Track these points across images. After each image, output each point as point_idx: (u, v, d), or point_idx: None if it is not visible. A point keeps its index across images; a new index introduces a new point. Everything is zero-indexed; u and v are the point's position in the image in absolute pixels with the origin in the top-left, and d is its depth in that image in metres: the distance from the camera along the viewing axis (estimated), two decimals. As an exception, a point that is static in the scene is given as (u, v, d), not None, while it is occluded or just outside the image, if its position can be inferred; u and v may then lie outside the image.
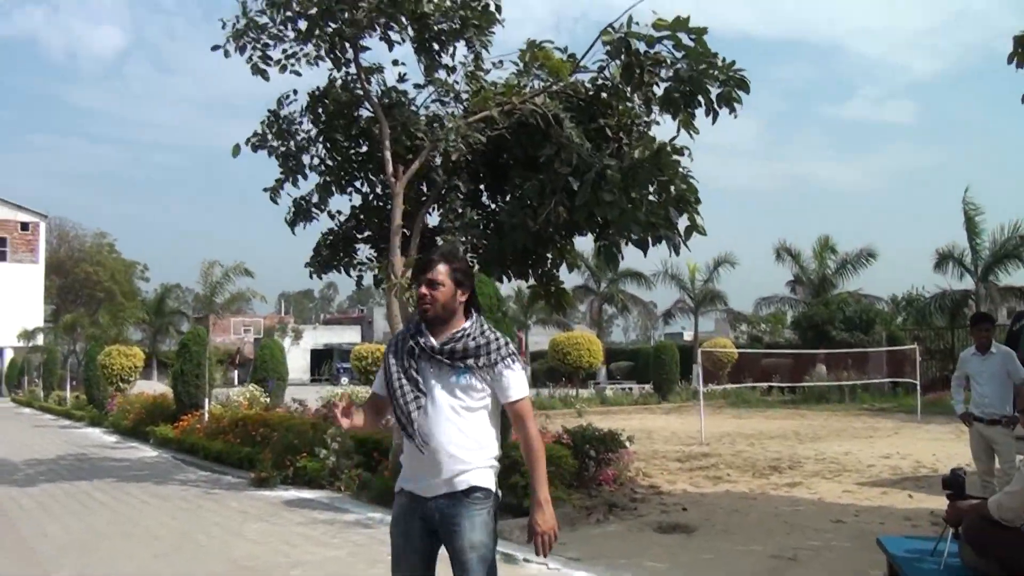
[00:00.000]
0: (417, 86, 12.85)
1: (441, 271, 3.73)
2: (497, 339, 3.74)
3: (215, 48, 12.20)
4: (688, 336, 53.47)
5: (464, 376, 3.68)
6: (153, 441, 18.90)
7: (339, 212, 13.71)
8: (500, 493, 3.75)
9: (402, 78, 12.97)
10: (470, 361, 3.67)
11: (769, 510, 9.97)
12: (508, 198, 12.45)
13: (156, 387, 32.83)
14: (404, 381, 3.71)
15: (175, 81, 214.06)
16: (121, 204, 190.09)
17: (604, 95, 11.80)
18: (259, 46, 12.41)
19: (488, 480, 3.69)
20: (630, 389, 38.11)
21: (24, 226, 59.97)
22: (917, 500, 10.30)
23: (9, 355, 54.53)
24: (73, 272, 65.31)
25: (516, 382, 3.72)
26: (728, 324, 53.96)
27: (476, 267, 12.24)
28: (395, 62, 13.09)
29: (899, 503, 10.23)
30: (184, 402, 19.32)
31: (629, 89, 11.09)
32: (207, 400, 18.75)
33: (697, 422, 19.25)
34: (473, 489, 3.65)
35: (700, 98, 10.19)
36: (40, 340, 45.71)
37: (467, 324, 3.75)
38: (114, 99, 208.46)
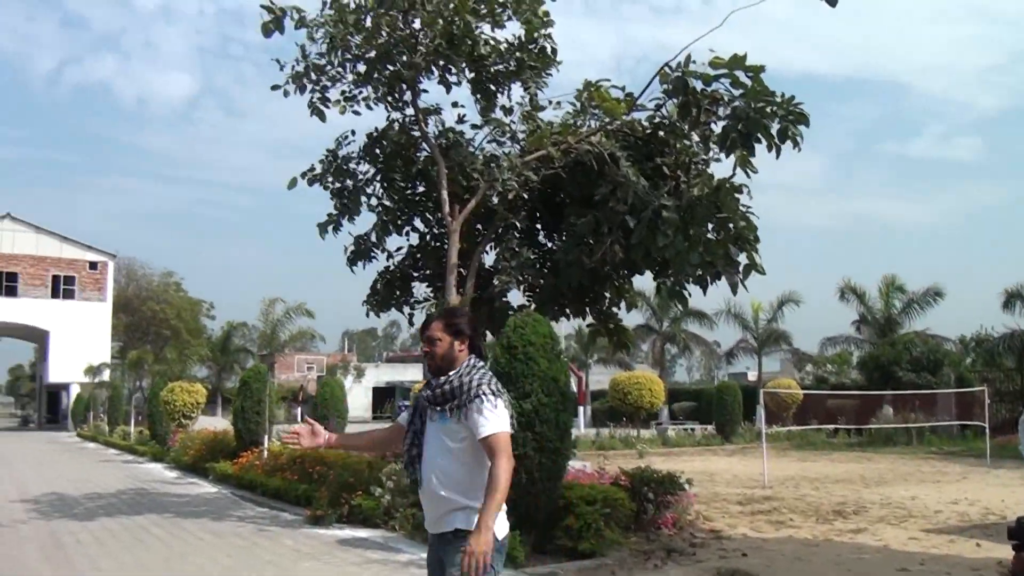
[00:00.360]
0: (474, 127, 12.95)
1: (436, 327, 4.13)
2: (471, 381, 3.96)
3: (275, 87, 12.44)
4: (752, 376, 52.77)
5: (445, 419, 3.95)
6: (212, 477, 19.09)
7: (398, 250, 13.81)
8: (498, 533, 3.77)
9: (461, 119, 13.09)
10: (449, 404, 3.94)
11: (832, 557, 9.71)
12: (564, 236, 12.42)
13: (220, 423, 33.22)
14: (409, 431, 4.14)
15: (244, 125, 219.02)
16: (189, 244, 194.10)
17: (661, 133, 11.76)
18: (318, 88, 12.62)
19: (471, 522, 3.77)
20: (692, 430, 37.65)
21: (92, 265, 61.60)
22: (985, 549, 9.93)
23: (76, 390, 55.80)
24: (140, 310, 66.70)
25: (484, 419, 3.86)
26: (793, 364, 53.14)
27: (532, 306, 12.22)
28: (454, 104, 13.24)
29: (967, 552, 9.89)
30: (244, 438, 19.51)
31: (686, 127, 11.04)
32: (267, 437, 18.91)
33: (760, 464, 18.91)
34: (457, 532, 3.83)
35: (760, 135, 10.08)
36: (106, 376, 46.61)
37: (453, 371, 4.04)
38: (184, 142, 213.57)
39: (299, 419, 29.69)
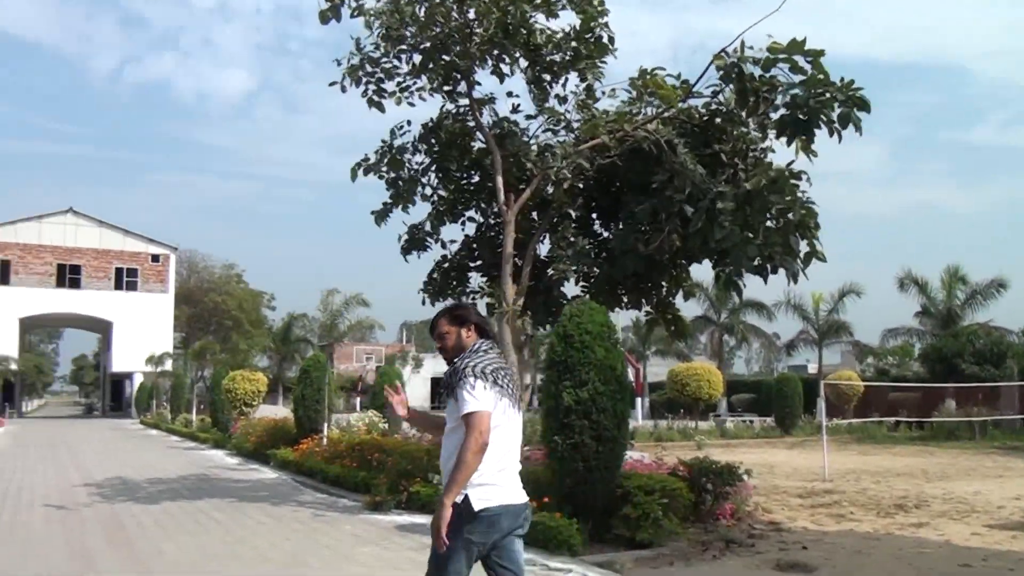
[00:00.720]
0: (529, 116, 12.95)
1: (443, 323, 4.58)
2: (462, 364, 4.32)
3: (332, 84, 12.58)
4: (812, 368, 52.20)
5: (448, 401, 4.34)
6: (273, 463, 19.38)
7: (452, 241, 13.87)
8: (473, 504, 4.12)
9: (515, 109, 13.09)
10: (448, 387, 4.35)
11: (893, 551, 9.54)
12: (620, 225, 12.37)
13: (281, 411, 33.70)
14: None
15: (301, 120, 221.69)
16: (249, 237, 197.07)
17: (718, 120, 11.65)
18: (374, 80, 12.71)
19: (475, 501, 4.15)
20: (751, 422, 37.32)
21: (155, 258, 62.90)
22: (1051, 545, 9.74)
23: (139, 379, 57.06)
24: (202, 301, 67.88)
25: (463, 399, 4.20)
26: (854, 356, 52.42)
27: (587, 295, 12.20)
28: (508, 94, 13.26)
29: (1031, 547, 9.68)
30: (304, 426, 19.79)
31: (744, 114, 10.92)
32: (326, 425, 19.15)
33: (820, 457, 18.68)
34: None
35: (820, 122, 9.94)
36: (168, 365, 47.53)
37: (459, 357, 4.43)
38: (243, 138, 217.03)
39: (358, 408, 29.98)
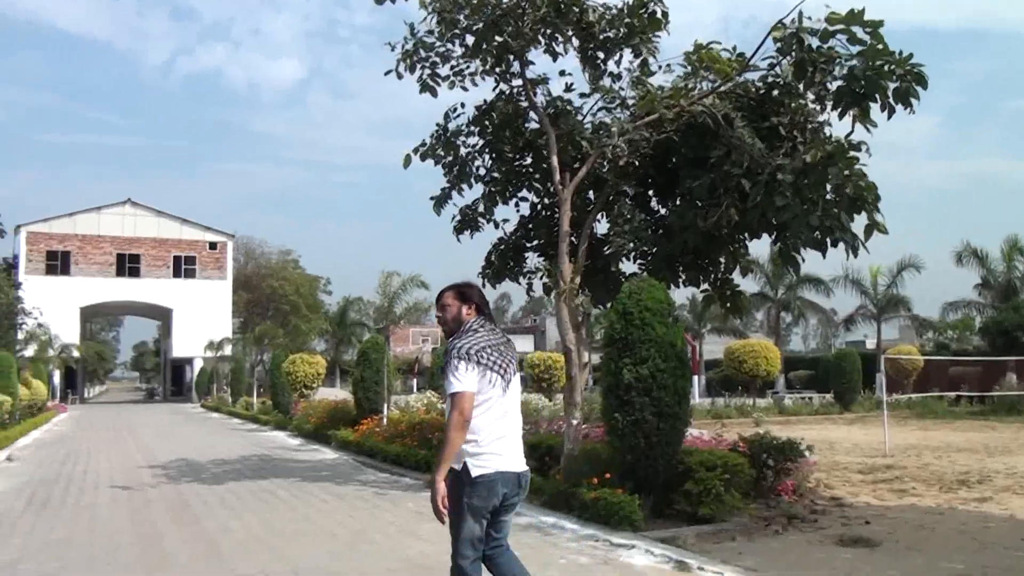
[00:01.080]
0: (582, 95, 12.90)
1: (448, 296, 5.02)
2: (452, 346, 4.77)
3: (388, 72, 12.67)
4: (870, 344, 51.51)
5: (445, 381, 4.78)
6: (334, 444, 19.68)
7: (505, 221, 13.90)
8: (471, 471, 4.61)
9: (569, 88, 13.06)
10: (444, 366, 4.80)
11: (956, 526, 9.47)
12: (677, 201, 12.32)
13: (338, 394, 34.11)
14: None
15: (352, 105, 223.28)
16: (304, 222, 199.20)
17: (775, 93, 11.52)
18: (428, 65, 12.77)
19: (455, 460, 4.65)
20: (810, 399, 37.00)
21: (212, 245, 63.94)
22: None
23: (199, 364, 58.12)
24: (260, 287, 68.76)
25: (449, 380, 4.67)
26: (913, 331, 51.66)
27: (645, 272, 12.18)
28: (561, 72, 13.20)
29: (1098, 521, 9.54)
30: (364, 407, 20.06)
31: (801, 87, 10.80)
32: (386, 405, 19.38)
33: (880, 433, 18.52)
34: (451, 468, 4.66)
35: (876, 95, 9.79)
36: (228, 350, 48.29)
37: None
38: (294, 125, 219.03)
39: (414, 389, 30.33)
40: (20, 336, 37.63)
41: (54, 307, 42.81)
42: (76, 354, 56.43)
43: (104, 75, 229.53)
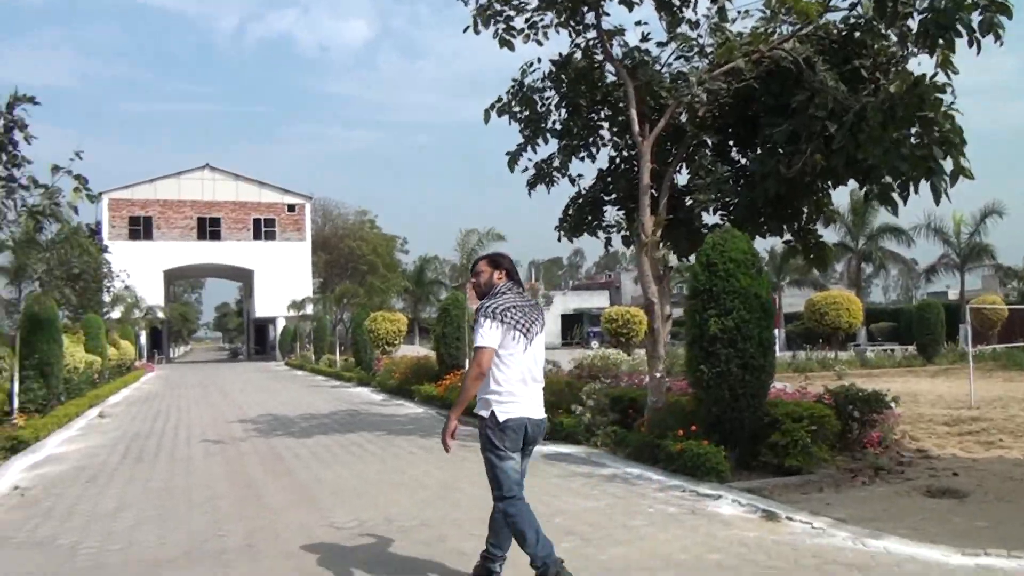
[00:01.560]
0: (659, 44, 12.72)
1: (482, 264, 5.72)
2: (481, 307, 5.44)
3: (466, 29, 12.62)
4: (953, 294, 50.33)
5: None
6: (417, 398, 20.01)
7: (579, 176, 13.83)
8: (498, 417, 5.33)
9: (645, 37, 12.89)
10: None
11: (1047, 477, 9.31)
12: (758, 149, 12.13)
13: (418, 351, 34.52)
14: None
15: (422, 65, 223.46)
16: (379, 182, 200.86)
17: (857, 34, 11.24)
18: (503, 19, 12.69)
19: (483, 409, 5.40)
20: (892, 351, 36.35)
21: (291, 208, 64.88)
22: None
23: (281, 324, 59.32)
24: (338, 247, 69.56)
25: (476, 336, 5.36)
26: (997, 280, 50.27)
27: (727, 223, 12.06)
28: (637, 22, 13.03)
29: None
30: (446, 362, 20.35)
31: (883, 25, 10.49)
32: (467, 360, 19.58)
33: (965, 385, 18.15)
34: (479, 416, 5.41)
35: (960, 27, 9.45)
36: (309, 310, 49.13)
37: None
38: (365, 86, 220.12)
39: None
40: (106, 299, 38.73)
41: (138, 271, 43.83)
42: (161, 315, 57.86)
43: (178, 44, 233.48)
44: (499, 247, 31.90)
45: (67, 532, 7.89)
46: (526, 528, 5.44)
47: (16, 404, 15.27)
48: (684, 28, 12.45)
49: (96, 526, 8.10)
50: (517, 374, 5.36)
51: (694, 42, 12.32)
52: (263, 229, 64.32)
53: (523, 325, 5.40)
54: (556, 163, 13.62)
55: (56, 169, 14.14)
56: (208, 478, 10.60)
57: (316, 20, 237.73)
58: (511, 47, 12.81)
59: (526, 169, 13.71)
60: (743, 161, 12.84)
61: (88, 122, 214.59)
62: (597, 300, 76.78)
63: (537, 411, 5.50)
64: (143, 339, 53.72)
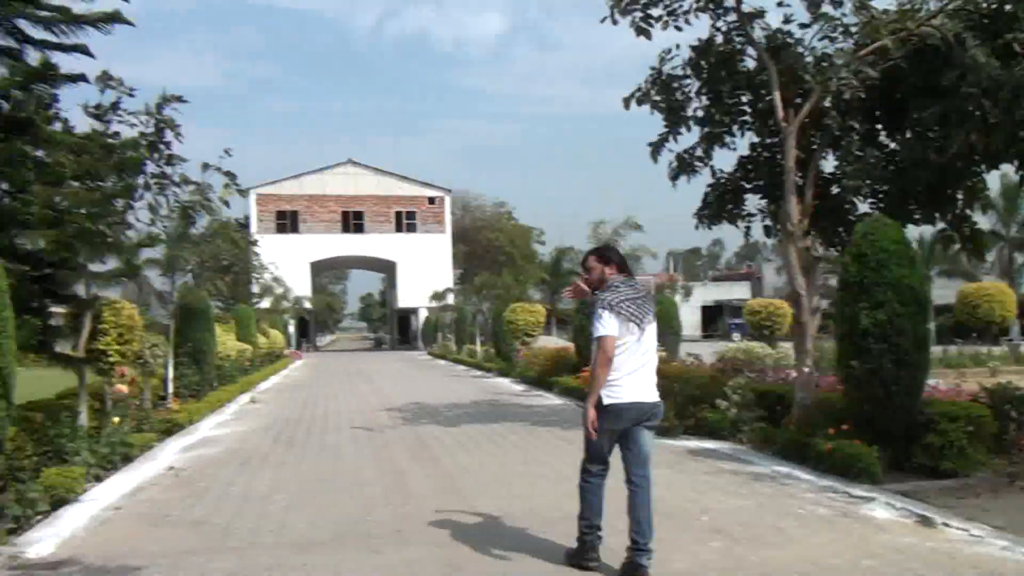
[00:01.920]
0: (802, 26, 12.28)
1: (592, 259, 6.15)
2: (598, 299, 5.87)
3: (603, 20, 12.46)
4: (1110, 286, 47.16)
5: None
6: (557, 390, 20.02)
7: (720, 170, 13.48)
8: (603, 400, 5.78)
9: (788, 19, 12.45)
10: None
11: None
12: (907, 133, 11.59)
13: (556, 342, 34.57)
14: None
15: (556, 57, 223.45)
16: (515, 174, 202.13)
17: (1008, 7, 10.59)
18: (640, 6, 12.49)
19: (605, 397, 5.78)
20: (1047, 347, 34.21)
21: (431, 200, 66.06)
22: None
23: (423, 314, 60.46)
24: (477, 239, 70.38)
25: (595, 326, 5.81)
26: None
27: (876, 211, 11.57)
28: (779, 3, 12.60)
29: None
30: (585, 355, 20.20)
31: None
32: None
33: None
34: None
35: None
36: (450, 300, 49.84)
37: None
38: (501, 80, 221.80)
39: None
40: (256, 290, 40.33)
41: (286, 263, 45.52)
42: (308, 306, 59.65)
43: (316, 43, 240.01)
44: (636, 237, 31.67)
45: (221, 512, 8.28)
46: (588, 501, 6.12)
47: (171, 389, 16.03)
48: (827, 7, 11.98)
49: (249, 508, 8.47)
50: (628, 362, 5.79)
51: (838, 22, 11.84)
52: (404, 221, 65.68)
53: (636, 316, 5.80)
54: (699, 152, 13.31)
55: (206, 166, 14.87)
56: (356, 464, 10.93)
57: (451, 15, 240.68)
58: (648, 35, 12.59)
59: (671, 163, 13.43)
60: (892, 145, 12.28)
61: (234, 121, 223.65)
62: (737, 291, 75.07)
63: (650, 395, 5.92)
64: (291, 328, 55.55)
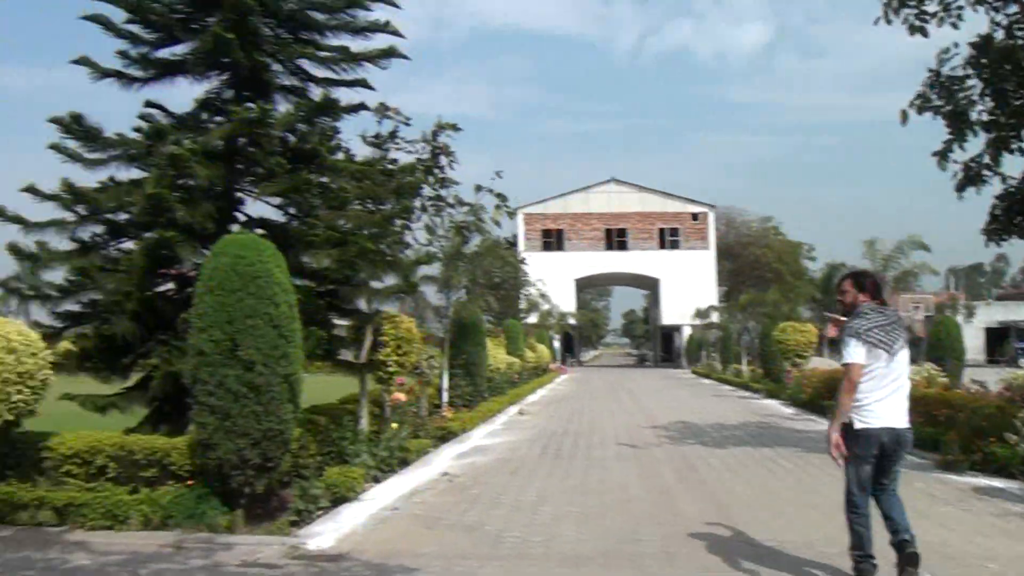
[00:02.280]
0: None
1: (847, 284, 6.32)
2: (847, 326, 6.08)
3: (876, 21, 11.87)
4: None
5: None
6: (830, 415, 18.99)
7: (1011, 177, 12.32)
8: (854, 425, 5.97)
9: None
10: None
11: None
12: None
13: (829, 363, 33.04)
14: None
15: (820, 64, 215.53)
16: (781, 188, 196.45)
17: None
18: (914, 3, 11.75)
19: (856, 422, 5.96)
20: None
21: (694, 216, 65.47)
22: None
23: (687, 332, 59.82)
24: (742, 255, 68.70)
25: (843, 353, 5.99)
26: None
27: None
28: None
29: None
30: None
31: None
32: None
33: None
34: (844, 424, 6.04)
35: None
36: (714, 318, 48.91)
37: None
38: (762, 91, 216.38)
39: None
40: (523, 306, 41.45)
41: (551, 280, 46.40)
42: (572, 321, 60.45)
43: (578, 66, 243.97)
44: (920, 256, 29.69)
45: (492, 519, 8.55)
46: (856, 532, 6.14)
47: (446, 399, 16.94)
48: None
49: (518, 516, 8.70)
50: (878, 388, 5.92)
51: None
52: (667, 238, 65.40)
53: (885, 343, 5.94)
54: (986, 159, 12.26)
55: (479, 188, 15.48)
56: (622, 480, 10.94)
57: (712, 28, 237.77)
58: (924, 33, 11.84)
59: (956, 174, 12.43)
60: None
61: (501, 145, 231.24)
62: (1025, 312, 68.26)
63: (900, 420, 6.01)
64: (556, 343, 56.49)
